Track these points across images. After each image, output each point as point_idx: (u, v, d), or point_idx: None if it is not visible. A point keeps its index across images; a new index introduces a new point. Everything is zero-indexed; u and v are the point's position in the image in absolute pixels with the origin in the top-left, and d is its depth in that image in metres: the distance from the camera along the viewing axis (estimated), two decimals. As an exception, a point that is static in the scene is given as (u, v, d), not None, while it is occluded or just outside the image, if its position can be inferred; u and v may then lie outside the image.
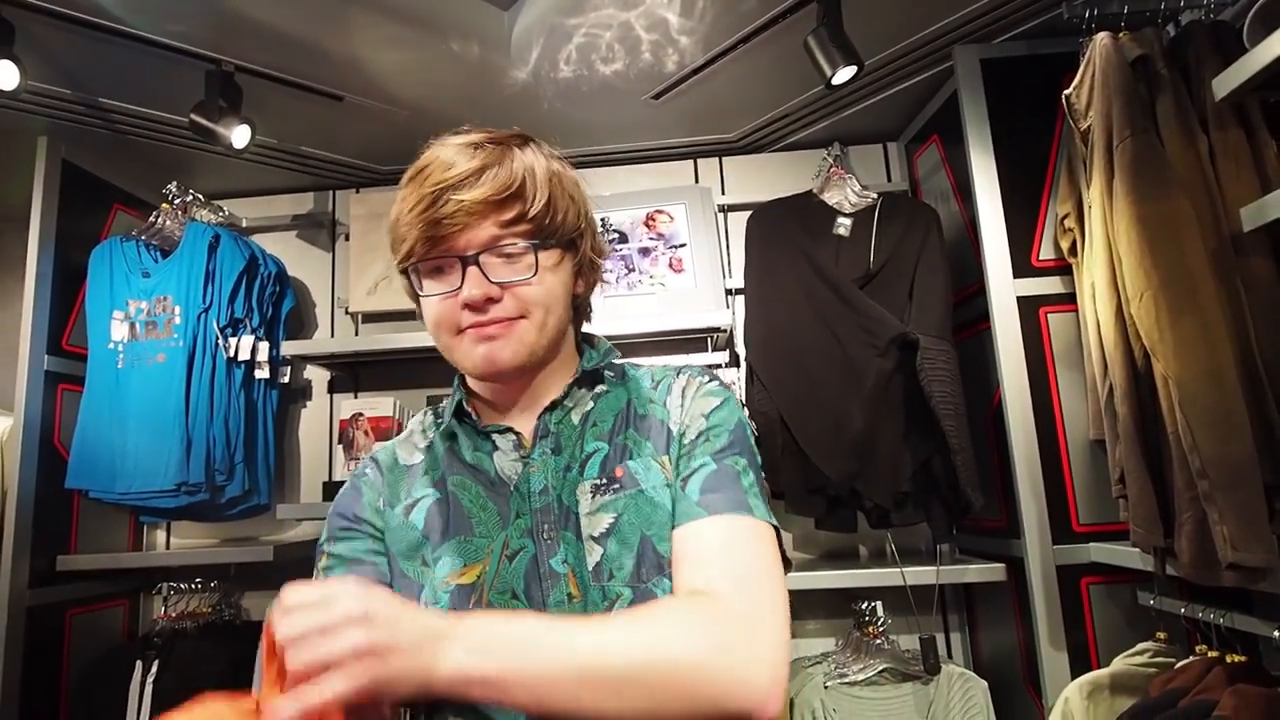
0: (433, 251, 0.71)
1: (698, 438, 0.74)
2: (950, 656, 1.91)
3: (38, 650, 1.79)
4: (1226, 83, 1.01)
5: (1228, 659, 1.14)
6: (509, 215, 0.71)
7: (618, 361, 0.84)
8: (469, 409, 0.79)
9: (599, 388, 0.80)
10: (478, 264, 0.70)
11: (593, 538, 0.71)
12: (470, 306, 0.71)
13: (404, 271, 0.76)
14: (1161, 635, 1.32)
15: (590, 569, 0.70)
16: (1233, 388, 1.01)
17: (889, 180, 2.17)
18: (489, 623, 0.60)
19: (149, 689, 1.78)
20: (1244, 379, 1.04)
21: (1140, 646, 1.33)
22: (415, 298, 0.77)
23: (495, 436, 0.77)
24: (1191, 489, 1.03)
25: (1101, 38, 1.20)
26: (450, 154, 0.72)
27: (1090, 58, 1.22)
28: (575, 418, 0.78)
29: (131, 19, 1.52)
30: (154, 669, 1.79)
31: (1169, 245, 1.06)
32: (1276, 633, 1.04)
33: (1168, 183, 1.08)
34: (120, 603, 2.05)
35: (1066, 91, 1.28)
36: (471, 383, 0.81)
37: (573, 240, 0.78)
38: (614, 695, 0.57)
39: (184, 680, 1.77)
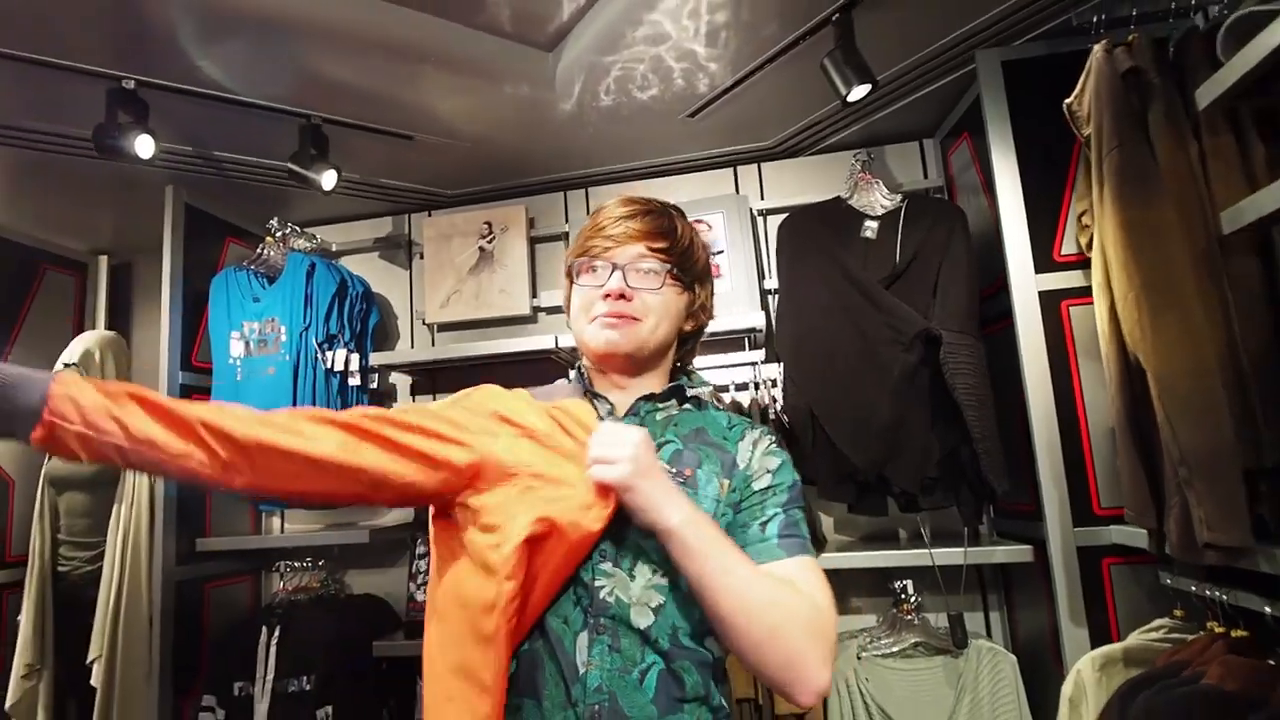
0: (597, 256, 0.99)
1: (766, 490, 0.96)
2: (989, 634, 1.99)
3: (185, 617, 2.14)
4: (1207, 94, 1.07)
5: (1232, 634, 1.20)
6: (656, 245, 0.99)
7: (705, 396, 1.07)
8: (586, 375, 1.05)
9: (685, 405, 1.04)
10: (623, 270, 0.97)
11: None
12: (608, 296, 0.97)
13: (568, 271, 1.03)
14: (1179, 613, 1.38)
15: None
16: (1212, 381, 1.08)
17: (925, 177, 2.23)
18: (704, 516, 0.87)
19: (273, 650, 2.09)
20: (1229, 372, 1.10)
21: (1156, 623, 1.39)
22: (566, 299, 1.05)
23: (594, 401, 1.01)
24: (1177, 476, 1.10)
25: (1097, 50, 1.26)
26: (621, 203, 1.03)
27: (1089, 68, 1.28)
28: (660, 415, 1.01)
29: (238, 87, 1.80)
30: (276, 633, 2.10)
31: (1152, 249, 1.13)
32: (1267, 609, 1.10)
33: (1152, 190, 1.14)
34: (246, 578, 2.40)
35: (1068, 100, 1.34)
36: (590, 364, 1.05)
37: (693, 283, 1.04)
38: (743, 612, 0.83)
39: (301, 643, 2.07)
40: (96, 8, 1.50)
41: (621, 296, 0.96)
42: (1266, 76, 0.99)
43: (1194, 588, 1.28)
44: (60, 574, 2.32)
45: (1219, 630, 1.22)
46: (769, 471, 0.97)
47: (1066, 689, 1.37)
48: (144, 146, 1.78)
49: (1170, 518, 1.13)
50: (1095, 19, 1.35)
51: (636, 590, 0.90)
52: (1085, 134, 1.29)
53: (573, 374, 1.08)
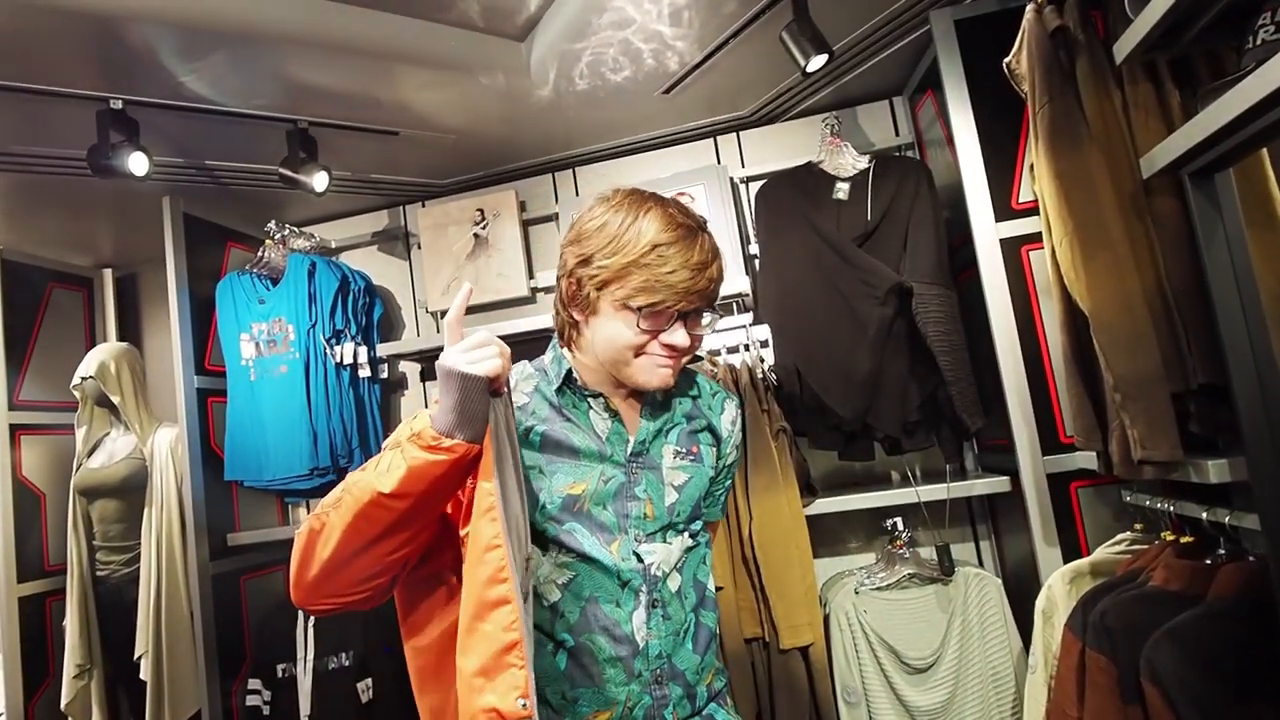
0: (658, 305, 0.93)
1: (732, 465, 1.15)
2: (980, 562, 2.12)
3: (224, 608, 2.26)
4: (1122, 48, 1.15)
5: (1181, 541, 1.32)
6: (710, 296, 0.98)
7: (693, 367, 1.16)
8: (577, 378, 1.03)
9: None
10: (684, 322, 0.96)
11: (673, 485, 1.04)
12: (670, 348, 0.96)
13: (625, 305, 0.96)
14: (1139, 526, 1.50)
15: (666, 504, 1.03)
16: (1141, 314, 1.18)
17: (897, 134, 2.30)
18: None
19: (311, 631, 2.22)
20: (1156, 305, 1.20)
21: (1119, 537, 1.52)
22: (580, 311, 1.01)
23: (591, 400, 1.03)
24: (1114, 402, 1.21)
25: (1029, 11, 1.33)
26: (689, 242, 0.94)
27: (1023, 28, 1.36)
28: (660, 394, 1.07)
29: (223, 99, 1.87)
30: (312, 617, 2.23)
31: (1083, 195, 1.22)
32: (1204, 514, 1.22)
33: (1081, 139, 1.23)
34: (280, 568, 2.52)
35: (1007, 60, 1.42)
36: (580, 361, 1.04)
37: None
38: None
39: (337, 622, 2.20)
40: (78, 34, 1.55)
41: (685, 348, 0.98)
42: (1173, 29, 1.07)
43: (1148, 502, 1.40)
44: (99, 578, 2.45)
45: (1170, 538, 1.34)
46: (736, 447, 1.15)
47: (1040, 603, 1.50)
48: (138, 164, 1.84)
49: (1113, 439, 1.25)
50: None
51: (675, 556, 1.02)
52: (1024, 90, 1.38)
53: (546, 366, 1.07)
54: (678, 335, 0.96)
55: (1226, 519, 1.19)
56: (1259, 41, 0.98)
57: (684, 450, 1.06)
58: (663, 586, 0.99)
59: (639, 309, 0.94)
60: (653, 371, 0.98)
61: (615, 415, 1.03)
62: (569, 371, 1.04)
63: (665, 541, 1.01)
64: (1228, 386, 1.07)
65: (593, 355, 1.02)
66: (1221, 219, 1.08)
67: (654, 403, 1.07)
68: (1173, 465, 1.19)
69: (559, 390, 1.04)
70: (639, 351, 0.97)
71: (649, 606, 0.97)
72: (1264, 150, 1.15)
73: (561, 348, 1.07)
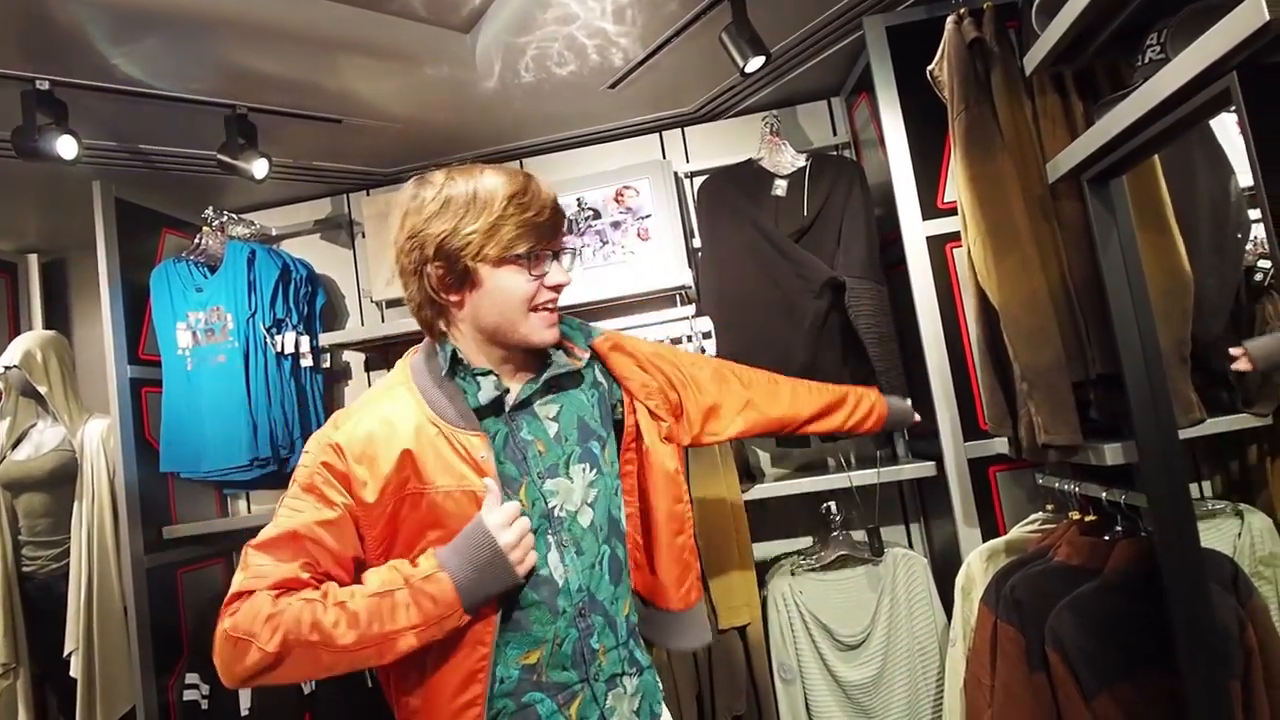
0: (538, 248, 0.98)
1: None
2: (910, 544, 2.23)
3: (159, 602, 2.21)
4: (1030, 61, 1.24)
5: (1085, 520, 1.43)
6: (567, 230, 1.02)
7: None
8: (464, 359, 1.02)
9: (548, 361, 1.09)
10: (559, 258, 1.00)
11: (548, 418, 1.05)
12: (555, 289, 0.99)
13: (505, 259, 0.97)
14: (1050, 507, 1.61)
15: (551, 435, 1.04)
16: (1045, 309, 1.28)
17: (835, 134, 2.38)
18: None
19: (252, 624, 2.20)
20: (1060, 300, 1.30)
21: (1032, 517, 1.63)
22: (458, 290, 0.98)
23: (481, 379, 1.01)
24: (1021, 390, 1.31)
25: (949, 22, 1.42)
26: (534, 187, 0.99)
27: (944, 39, 1.44)
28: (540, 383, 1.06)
29: (157, 82, 1.82)
30: (254, 608, 2.21)
31: (995, 198, 1.31)
32: (1104, 494, 1.32)
33: (994, 147, 1.32)
34: (218, 561, 2.48)
35: (930, 68, 1.50)
36: (467, 345, 1.03)
37: None
38: None
39: (279, 614, 2.18)
40: (0, 11, 1.49)
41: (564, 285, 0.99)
42: (1075, 44, 1.16)
43: (1057, 484, 1.50)
44: (26, 574, 2.36)
45: (1076, 517, 1.45)
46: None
47: (959, 580, 1.60)
48: (66, 147, 1.77)
49: (1021, 425, 1.35)
50: (956, -11, 1.51)
51: (578, 492, 1.03)
52: (946, 97, 1.46)
53: (415, 363, 1.04)
54: (559, 273, 1.00)
55: (1122, 498, 1.30)
56: (1146, 60, 1.07)
57: (583, 433, 1.06)
58: (572, 524, 1.01)
59: (521, 257, 0.97)
60: (544, 329, 1.00)
61: (506, 391, 1.02)
62: (454, 353, 1.02)
63: (567, 476, 1.02)
64: (1120, 375, 1.17)
65: (474, 333, 1.02)
66: (1115, 222, 1.17)
67: (539, 393, 1.06)
68: (1073, 449, 1.29)
69: (448, 374, 1.02)
70: (531, 305, 0.99)
71: (560, 547, 1.00)
72: (1157, 162, 1.25)
73: (432, 342, 1.06)
